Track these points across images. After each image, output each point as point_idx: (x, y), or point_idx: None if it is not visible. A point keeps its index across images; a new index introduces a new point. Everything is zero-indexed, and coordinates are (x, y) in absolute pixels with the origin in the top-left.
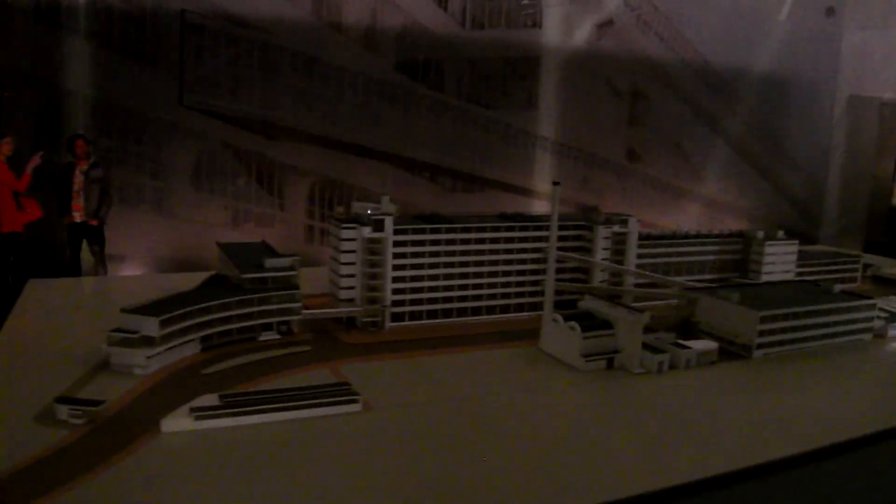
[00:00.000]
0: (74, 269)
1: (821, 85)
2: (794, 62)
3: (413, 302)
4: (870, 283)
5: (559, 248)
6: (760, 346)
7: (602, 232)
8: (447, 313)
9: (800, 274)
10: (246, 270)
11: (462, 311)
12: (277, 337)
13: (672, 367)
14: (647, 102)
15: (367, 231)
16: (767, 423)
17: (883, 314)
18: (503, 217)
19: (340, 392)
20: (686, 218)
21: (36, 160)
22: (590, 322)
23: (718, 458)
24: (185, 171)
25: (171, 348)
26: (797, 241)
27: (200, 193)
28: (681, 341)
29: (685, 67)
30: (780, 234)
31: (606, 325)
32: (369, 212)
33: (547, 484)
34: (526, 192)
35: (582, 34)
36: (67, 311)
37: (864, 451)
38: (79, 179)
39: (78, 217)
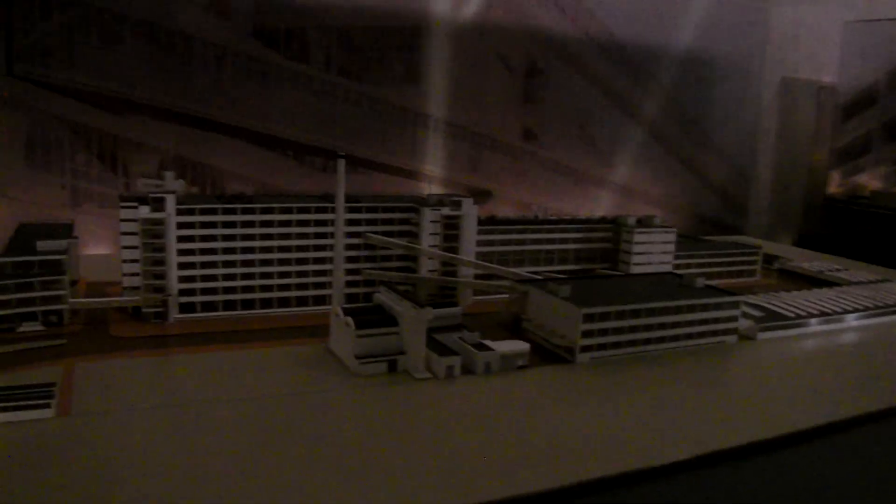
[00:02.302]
0: None
1: (747, 65)
2: (716, 40)
3: (206, 291)
4: (775, 276)
5: (384, 233)
6: (586, 348)
7: (429, 215)
8: (248, 305)
9: (685, 266)
10: (13, 253)
11: (266, 303)
12: (41, 328)
13: (469, 371)
14: (545, 79)
15: (144, 211)
16: (538, 445)
17: (756, 313)
18: (323, 198)
19: (34, 395)
20: (595, 205)
21: None
22: (373, 318)
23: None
24: (17, 147)
25: None
26: (674, 229)
27: (34, 171)
28: (486, 342)
29: (589, 43)
30: (657, 220)
31: (392, 321)
32: (154, 188)
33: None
34: (407, 174)
35: (472, 3)
36: None
37: (642, 488)
38: None
39: None
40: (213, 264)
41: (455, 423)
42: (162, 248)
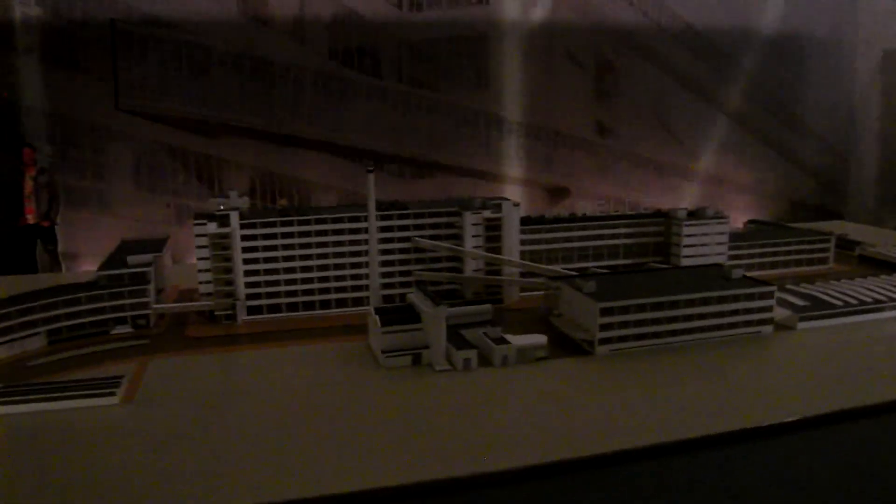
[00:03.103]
0: (31, 267)
1: (840, 41)
2: (803, 17)
3: (269, 295)
4: (854, 263)
5: (431, 237)
6: (604, 340)
7: (470, 218)
8: (308, 306)
9: (750, 256)
10: (109, 266)
11: (325, 304)
12: (130, 330)
13: (488, 363)
14: (617, 74)
15: (212, 227)
16: (539, 424)
17: (801, 302)
18: (379, 206)
19: (104, 384)
20: (680, 196)
21: None
22: (400, 316)
23: (441, 460)
24: (125, 172)
25: (9, 341)
26: (727, 219)
27: (141, 192)
28: (506, 336)
29: (662, 33)
30: (710, 211)
31: (417, 318)
32: (221, 207)
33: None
34: (482, 176)
35: (536, 6)
36: None
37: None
38: (28, 184)
39: (31, 219)
40: (274, 271)
41: (463, 406)
42: (229, 259)
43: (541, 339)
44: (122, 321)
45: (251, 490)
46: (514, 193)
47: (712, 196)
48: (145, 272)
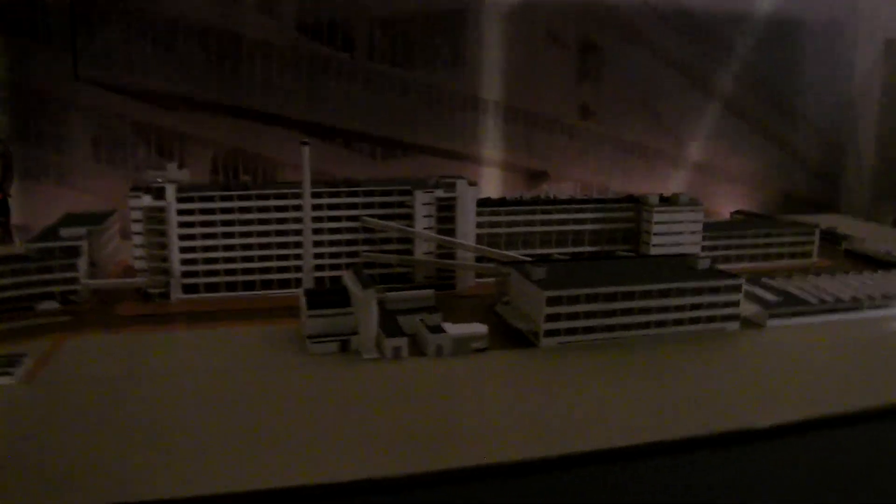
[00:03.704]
0: None
1: (840, 28)
2: (803, 2)
3: (208, 273)
4: (839, 257)
5: (382, 217)
6: (551, 332)
7: (421, 198)
8: (248, 286)
9: (728, 247)
10: (40, 239)
11: (266, 284)
12: (57, 306)
13: (422, 353)
14: (601, 54)
15: (147, 199)
16: (450, 425)
17: (773, 298)
18: (328, 184)
19: (2, 364)
20: (669, 184)
21: None
22: (331, 299)
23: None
24: (84, 145)
25: None
26: (701, 206)
27: (100, 165)
28: (446, 324)
29: (650, 13)
30: (684, 198)
31: (347, 302)
32: (159, 180)
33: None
34: (458, 157)
35: None
36: None
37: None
38: None
39: None
40: (213, 248)
41: (378, 401)
42: (164, 234)
43: (481, 328)
44: (49, 296)
45: (105, 492)
46: (492, 176)
47: (702, 185)
48: (77, 246)
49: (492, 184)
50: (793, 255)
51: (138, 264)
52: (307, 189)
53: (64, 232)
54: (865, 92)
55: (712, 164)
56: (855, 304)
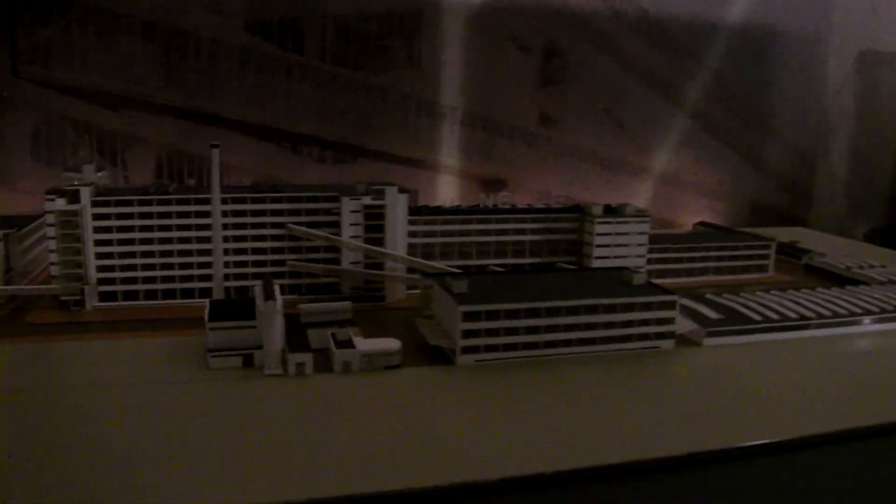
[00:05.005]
0: None
1: (814, 40)
2: (775, 12)
3: (125, 281)
4: (799, 272)
5: (308, 224)
6: (468, 349)
7: (348, 205)
8: (168, 294)
9: (678, 260)
10: None
11: (187, 293)
12: None
13: (330, 369)
14: (564, 60)
15: (60, 203)
16: (341, 450)
17: (715, 315)
18: (249, 188)
19: None
20: (632, 195)
21: None
22: (235, 311)
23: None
24: (23, 144)
25: None
26: (647, 219)
27: (39, 166)
28: (357, 339)
29: (616, 20)
30: (630, 208)
31: (252, 314)
32: (76, 182)
33: None
34: (412, 163)
35: None
36: None
37: None
38: None
39: None
40: (130, 254)
41: (268, 421)
42: (78, 239)
43: (394, 344)
44: None
45: None
46: (448, 184)
47: (667, 195)
48: None
49: (448, 192)
50: (747, 270)
51: (53, 270)
52: (216, 194)
53: None
54: (838, 105)
55: (678, 175)
56: (802, 323)
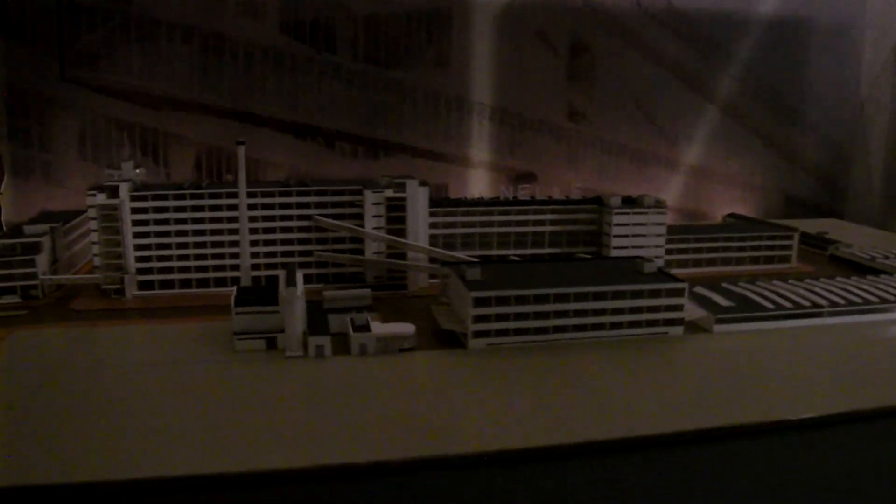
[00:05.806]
0: None
1: (848, 32)
2: (809, 4)
3: (162, 270)
4: (824, 262)
5: (334, 216)
6: (480, 333)
7: (370, 198)
8: (202, 283)
9: (699, 251)
10: (5, 236)
11: (220, 282)
12: (17, 300)
13: (348, 352)
14: (592, 56)
15: (100, 198)
16: (355, 424)
17: (726, 303)
18: (278, 184)
19: None
20: (662, 188)
21: None
22: (259, 296)
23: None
24: (71, 143)
25: None
26: (665, 209)
27: (86, 163)
28: (374, 324)
29: (642, 15)
30: (650, 199)
31: (275, 300)
32: (114, 178)
33: None
34: (443, 158)
35: None
36: None
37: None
38: None
39: None
40: (167, 246)
41: (287, 398)
42: (118, 231)
43: (408, 328)
44: (10, 290)
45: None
46: (478, 178)
47: (698, 188)
48: (38, 242)
49: (478, 185)
50: (770, 260)
51: (95, 261)
52: (243, 188)
53: (27, 229)
54: (874, 97)
55: (709, 167)
56: (814, 311)
